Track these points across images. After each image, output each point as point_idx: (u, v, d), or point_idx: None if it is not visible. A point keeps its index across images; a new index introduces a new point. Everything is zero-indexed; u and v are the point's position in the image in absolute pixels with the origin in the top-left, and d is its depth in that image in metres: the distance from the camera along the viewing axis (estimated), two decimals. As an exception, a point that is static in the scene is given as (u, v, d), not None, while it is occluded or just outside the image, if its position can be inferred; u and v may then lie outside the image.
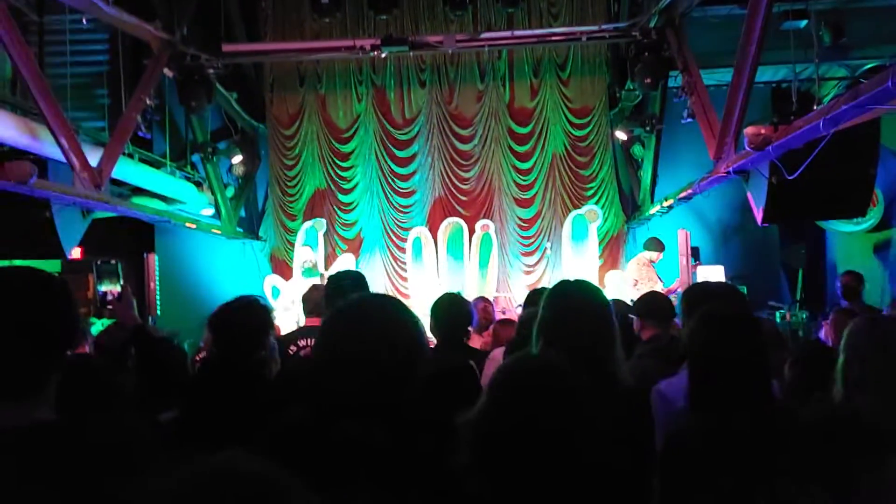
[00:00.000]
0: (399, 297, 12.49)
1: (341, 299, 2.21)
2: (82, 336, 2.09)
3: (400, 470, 1.85)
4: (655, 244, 11.31)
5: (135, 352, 3.71)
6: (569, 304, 2.98)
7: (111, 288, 10.14)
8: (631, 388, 3.00)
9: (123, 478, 1.64)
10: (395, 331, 1.99)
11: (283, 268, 13.58)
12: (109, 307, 8.62)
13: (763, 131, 6.62)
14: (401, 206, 13.79)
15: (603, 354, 2.87)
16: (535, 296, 5.51)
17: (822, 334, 6.48)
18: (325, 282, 5.31)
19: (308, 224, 13.44)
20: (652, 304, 4.85)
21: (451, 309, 4.84)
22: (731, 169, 7.85)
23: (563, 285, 3.17)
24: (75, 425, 1.81)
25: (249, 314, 3.63)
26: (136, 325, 3.73)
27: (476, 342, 6.92)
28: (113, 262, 10.97)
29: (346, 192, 13.81)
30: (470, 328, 7.35)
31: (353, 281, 4.40)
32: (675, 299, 7.38)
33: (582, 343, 2.80)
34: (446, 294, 5.19)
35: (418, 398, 2.00)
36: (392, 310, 2.08)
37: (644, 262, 11.27)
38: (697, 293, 3.90)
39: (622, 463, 2.48)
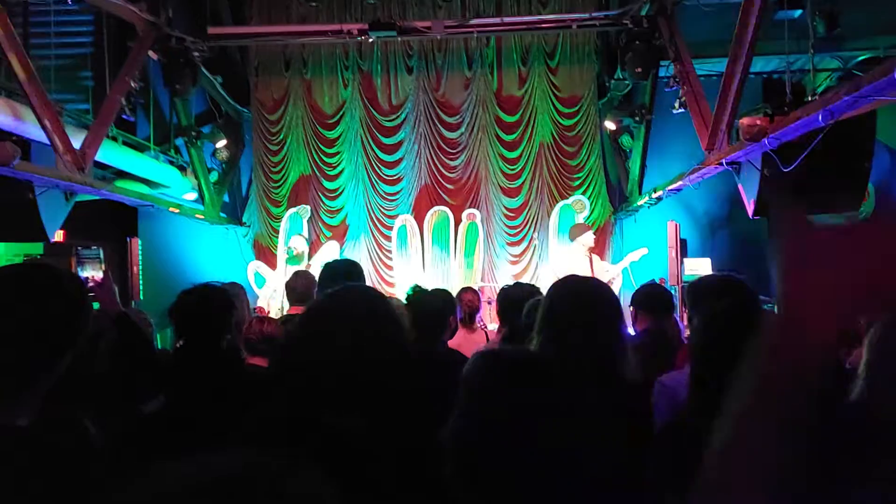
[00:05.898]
0: (383, 284, 12.47)
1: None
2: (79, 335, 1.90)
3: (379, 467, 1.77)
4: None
5: (119, 339, 3.63)
6: (576, 298, 2.88)
7: (93, 274, 10.00)
8: (635, 382, 2.93)
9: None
10: (374, 325, 1.93)
11: (266, 254, 13.47)
12: (91, 294, 8.52)
13: (759, 122, 6.56)
14: (386, 193, 13.66)
15: (609, 350, 2.78)
16: (508, 294, 5.31)
17: None
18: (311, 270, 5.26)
19: (292, 210, 13.31)
20: (652, 297, 4.75)
21: (433, 303, 4.65)
22: (724, 160, 7.79)
23: (568, 279, 3.09)
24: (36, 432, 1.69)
25: (207, 300, 3.72)
26: (118, 312, 3.66)
27: (461, 336, 6.83)
28: (95, 247, 10.80)
29: (332, 178, 13.68)
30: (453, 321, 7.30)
31: (346, 270, 4.31)
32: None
33: (587, 337, 2.72)
34: (432, 290, 5.00)
35: (402, 395, 1.92)
36: (373, 303, 2.03)
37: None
38: (702, 288, 3.83)
39: (616, 457, 2.46)
